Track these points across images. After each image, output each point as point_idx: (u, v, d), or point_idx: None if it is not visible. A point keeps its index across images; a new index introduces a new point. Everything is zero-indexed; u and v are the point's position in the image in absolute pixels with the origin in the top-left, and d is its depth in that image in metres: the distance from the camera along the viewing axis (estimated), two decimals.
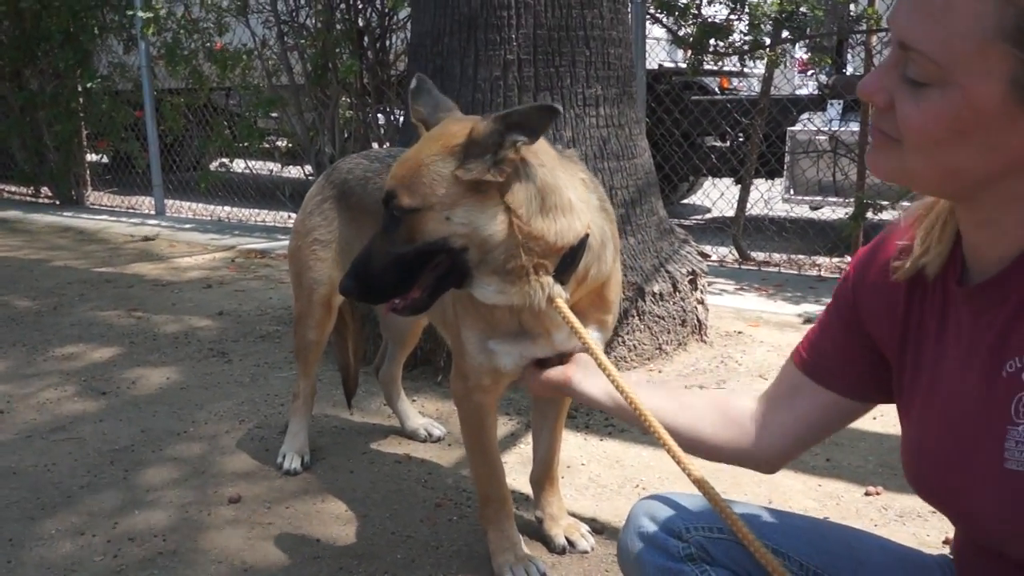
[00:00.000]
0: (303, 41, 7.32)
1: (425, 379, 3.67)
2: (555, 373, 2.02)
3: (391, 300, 1.89)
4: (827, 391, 1.63)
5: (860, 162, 6.38)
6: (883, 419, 3.35)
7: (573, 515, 2.55)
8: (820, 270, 6.08)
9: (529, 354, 2.07)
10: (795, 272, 6.02)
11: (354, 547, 2.46)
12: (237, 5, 7.48)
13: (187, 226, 8.10)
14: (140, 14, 7.88)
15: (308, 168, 9.25)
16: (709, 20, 5.99)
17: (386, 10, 7.05)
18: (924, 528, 2.57)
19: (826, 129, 7.56)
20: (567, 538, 2.43)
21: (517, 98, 3.75)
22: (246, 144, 8.32)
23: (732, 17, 5.95)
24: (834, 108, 8.02)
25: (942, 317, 1.44)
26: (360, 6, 7.10)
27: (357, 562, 2.38)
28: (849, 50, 8.71)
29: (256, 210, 8.52)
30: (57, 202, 9.68)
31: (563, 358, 2.06)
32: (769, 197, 8.10)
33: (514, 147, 1.78)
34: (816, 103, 8.15)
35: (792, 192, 7.77)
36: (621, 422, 3.32)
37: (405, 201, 1.82)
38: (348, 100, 7.71)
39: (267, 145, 8.81)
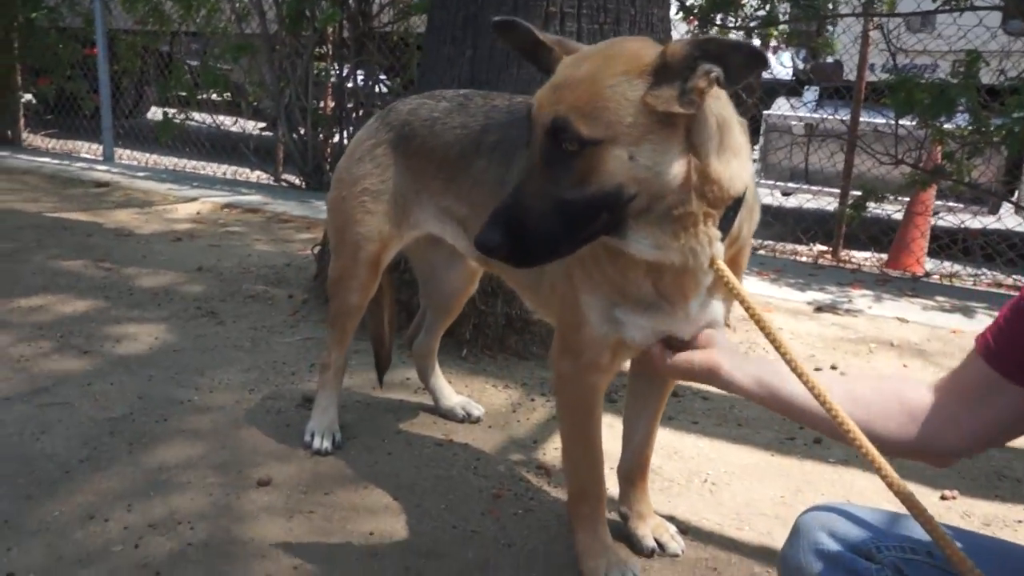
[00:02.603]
0: None
1: (447, 352, 3.36)
2: (699, 357, 1.75)
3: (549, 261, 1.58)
4: (1015, 386, 1.44)
5: (850, 150, 6.27)
6: None
7: None
8: (803, 257, 5.96)
9: (663, 328, 1.80)
10: (790, 258, 5.89)
11: (415, 543, 2.17)
12: None
13: (141, 174, 7.54)
14: None
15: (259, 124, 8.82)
16: None
17: None
18: (1015, 537, 2.41)
19: (804, 115, 7.46)
20: (656, 539, 2.19)
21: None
22: (202, 95, 7.84)
23: None
24: (810, 93, 7.92)
25: None
26: None
27: (424, 561, 2.09)
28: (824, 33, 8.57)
29: (203, 163, 8.03)
30: None
31: (695, 338, 1.81)
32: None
33: (706, 77, 1.50)
34: (792, 89, 8.02)
35: (763, 176, 7.63)
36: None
37: (584, 131, 1.50)
38: (321, 51, 7.29)
39: (223, 97, 8.31)
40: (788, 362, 1.56)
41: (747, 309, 1.63)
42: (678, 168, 1.56)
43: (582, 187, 1.52)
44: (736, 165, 1.63)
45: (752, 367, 1.70)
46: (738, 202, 1.67)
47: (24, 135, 9.08)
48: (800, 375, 1.54)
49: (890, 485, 1.48)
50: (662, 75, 1.52)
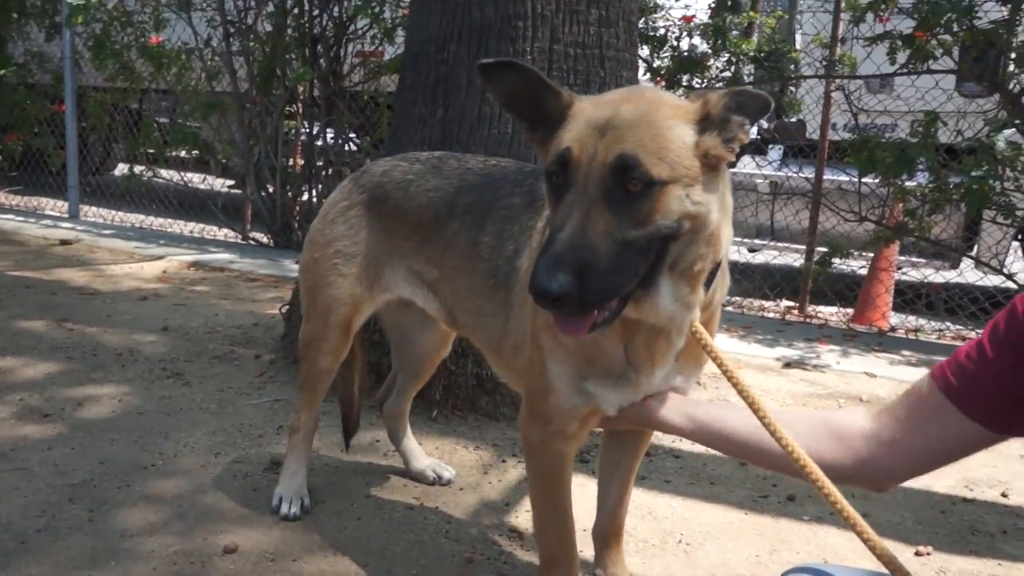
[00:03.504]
0: (251, 44, 6.89)
1: (417, 414, 3.31)
2: (635, 409, 1.86)
3: (604, 308, 1.53)
4: (971, 421, 1.51)
5: (815, 207, 6.38)
6: None
7: None
8: (771, 313, 6.01)
9: (630, 398, 1.81)
10: (757, 314, 5.94)
11: None
12: (180, 1, 6.99)
13: (107, 232, 7.47)
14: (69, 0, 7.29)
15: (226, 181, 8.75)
16: (685, 54, 5.89)
17: (344, 19, 6.70)
18: None
19: (768, 173, 7.60)
20: None
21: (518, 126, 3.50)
22: (171, 152, 7.82)
23: (708, 52, 5.87)
24: (775, 152, 8.08)
25: None
26: (315, 13, 6.74)
27: None
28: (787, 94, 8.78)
29: (170, 220, 8.01)
30: None
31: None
32: None
33: (742, 129, 1.56)
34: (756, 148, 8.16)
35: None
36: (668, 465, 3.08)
37: (655, 171, 1.50)
38: (291, 110, 7.32)
39: (192, 154, 8.29)
40: (763, 422, 1.57)
41: (723, 370, 1.65)
42: (716, 212, 1.59)
43: (644, 226, 1.51)
44: (726, 227, 1.67)
45: (687, 407, 1.78)
46: (717, 265, 1.69)
47: None
48: (777, 436, 1.56)
49: (865, 540, 1.48)
50: (705, 123, 1.57)
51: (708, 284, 1.69)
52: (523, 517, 2.65)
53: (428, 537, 2.50)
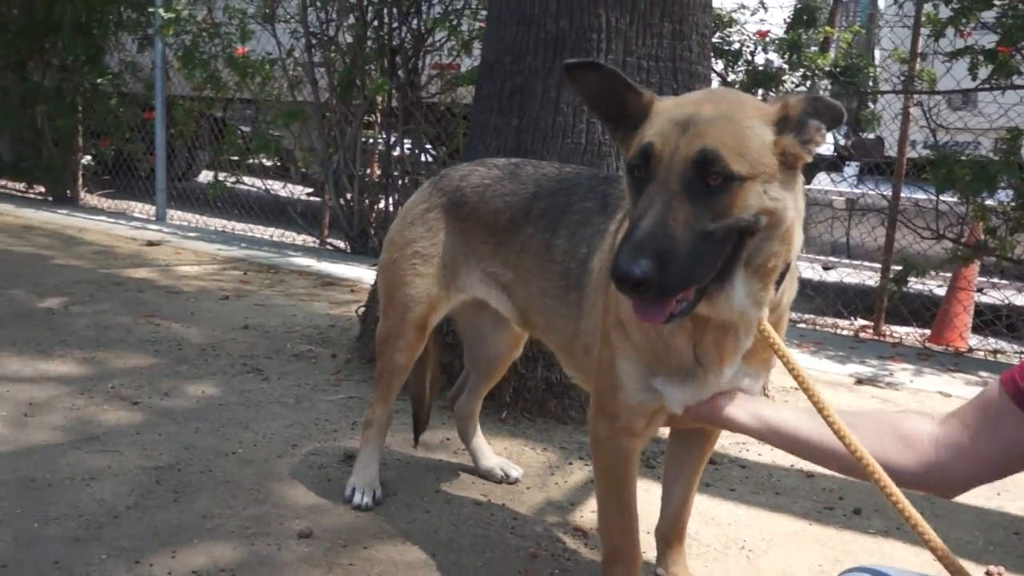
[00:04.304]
0: (332, 54, 7.11)
1: (487, 415, 3.38)
2: (703, 407, 1.89)
3: (679, 296, 1.58)
4: None
5: (891, 224, 6.27)
6: (976, 492, 3.16)
7: None
8: (844, 330, 5.93)
9: (697, 396, 1.85)
10: (830, 331, 5.87)
11: None
12: (264, 13, 7.26)
13: (191, 234, 7.77)
14: (160, 12, 7.63)
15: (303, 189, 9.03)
16: (760, 68, 5.88)
17: (422, 31, 6.87)
18: None
19: (844, 189, 7.50)
20: None
21: (601, 124, 3.57)
22: (253, 159, 8.09)
23: (783, 67, 5.84)
24: (851, 169, 7.96)
25: None
26: (395, 25, 6.92)
27: None
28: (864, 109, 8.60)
29: (251, 225, 8.31)
30: (50, 199, 9.30)
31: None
32: None
33: (819, 132, 1.62)
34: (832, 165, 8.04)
35: (804, 250, 7.62)
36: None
37: (735, 166, 1.56)
38: (370, 119, 7.50)
39: (273, 162, 8.56)
40: (828, 421, 1.61)
41: (790, 369, 1.69)
42: (792, 210, 1.65)
43: (723, 219, 1.57)
44: (799, 229, 1.71)
45: (754, 406, 1.80)
46: (787, 267, 1.73)
47: (82, 194, 9.43)
48: (841, 436, 1.58)
49: (928, 542, 1.50)
50: (783, 124, 1.63)
51: (778, 285, 1.73)
52: (587, 517, 2.70)
53: (494, 532, 2.57)
